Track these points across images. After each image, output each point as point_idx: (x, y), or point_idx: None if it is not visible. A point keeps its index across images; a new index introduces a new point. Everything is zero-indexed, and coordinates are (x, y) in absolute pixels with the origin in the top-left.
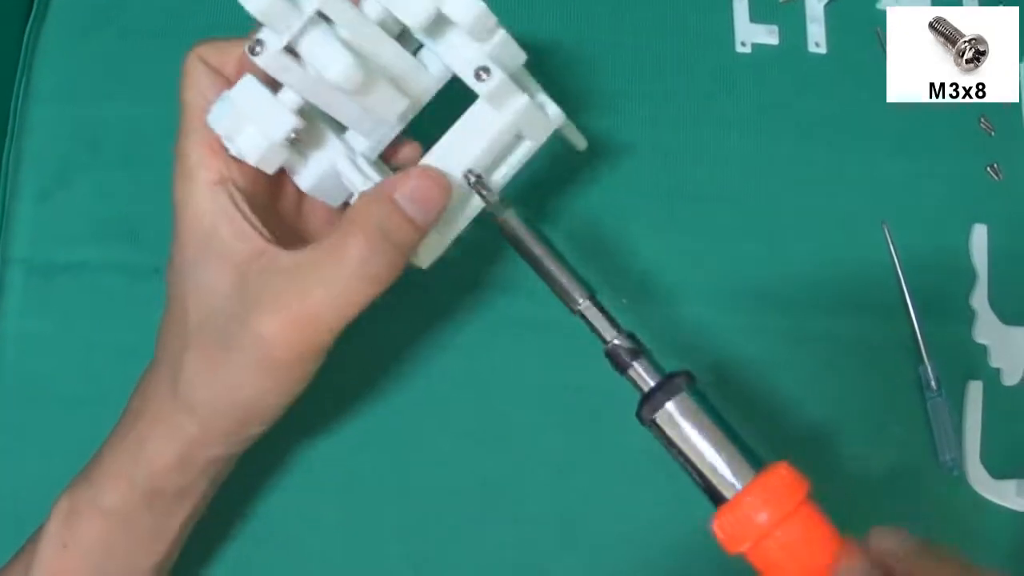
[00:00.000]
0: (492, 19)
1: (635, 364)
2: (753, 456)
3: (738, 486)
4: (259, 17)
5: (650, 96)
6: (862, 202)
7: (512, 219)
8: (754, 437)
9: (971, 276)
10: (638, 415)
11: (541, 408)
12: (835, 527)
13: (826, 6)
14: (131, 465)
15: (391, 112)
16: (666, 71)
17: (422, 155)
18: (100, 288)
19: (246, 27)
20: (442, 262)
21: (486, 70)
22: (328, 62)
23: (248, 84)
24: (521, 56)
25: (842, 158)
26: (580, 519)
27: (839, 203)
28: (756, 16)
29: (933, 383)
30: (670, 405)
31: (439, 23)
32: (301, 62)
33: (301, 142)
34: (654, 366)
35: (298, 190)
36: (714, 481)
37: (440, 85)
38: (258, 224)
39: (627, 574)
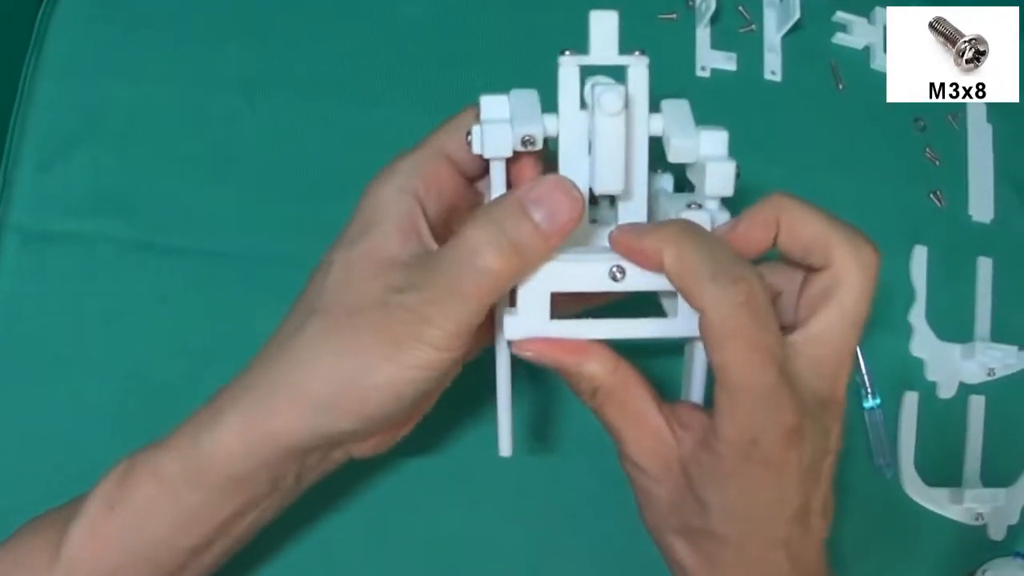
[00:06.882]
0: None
1: None
2: None
3: None
4: None
5: None
6: None
7: None
8: None
9: (910, 294)
10: None
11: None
12: None
13: (783, 37)
14: (197, 440)
15: None
16: None
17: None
18: (91, 258)
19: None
20: None
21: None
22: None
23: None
24: None
25: (789, 178)
26: (526, 496)
27: None
28: (717, 44)
29: (869, 390)
30: None
31: None
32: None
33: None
34: None
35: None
36: None
37: None
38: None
39: (573, 548)
